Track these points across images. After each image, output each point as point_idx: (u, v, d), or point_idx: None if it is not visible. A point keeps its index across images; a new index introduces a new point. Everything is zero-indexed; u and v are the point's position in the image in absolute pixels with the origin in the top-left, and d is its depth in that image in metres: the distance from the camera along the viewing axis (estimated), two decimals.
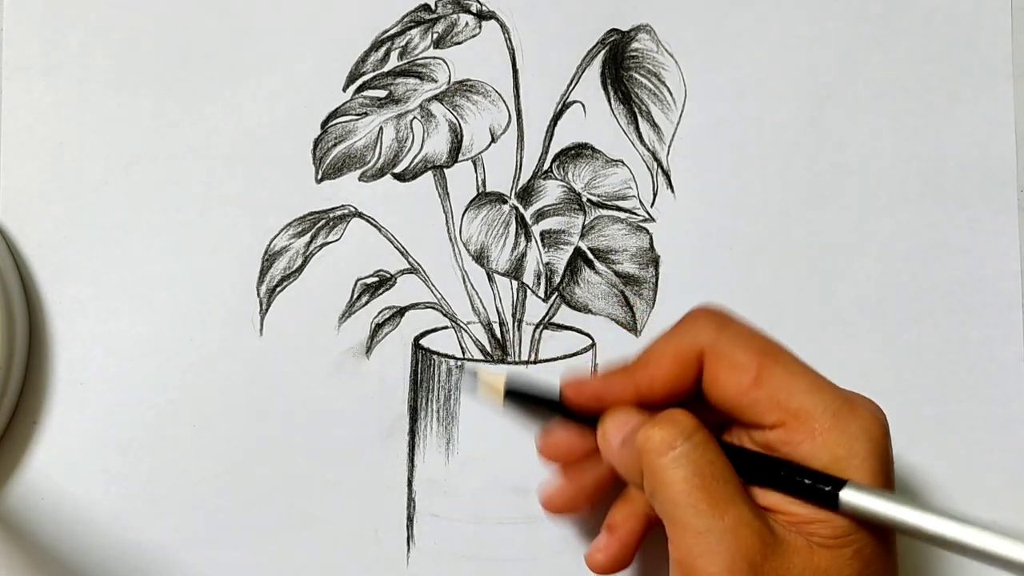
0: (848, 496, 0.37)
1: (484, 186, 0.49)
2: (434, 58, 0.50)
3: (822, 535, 0.38)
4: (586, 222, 0.49)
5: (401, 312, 0.49)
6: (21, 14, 0.49)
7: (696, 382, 0.40)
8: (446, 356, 0.49)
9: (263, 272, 0.49)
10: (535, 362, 0.49)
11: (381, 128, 0.49)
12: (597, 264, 0.49)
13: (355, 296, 0.49)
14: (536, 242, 0.49)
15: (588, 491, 0.44)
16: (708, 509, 0.37)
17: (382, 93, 0.50)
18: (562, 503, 0.45)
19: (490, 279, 0.49)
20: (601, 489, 0.44)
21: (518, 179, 0.49)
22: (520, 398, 0.45)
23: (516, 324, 0.49)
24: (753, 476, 0.39)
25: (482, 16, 0.50)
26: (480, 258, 0.49)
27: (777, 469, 0.39)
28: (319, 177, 0.49)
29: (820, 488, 0.37)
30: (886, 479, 0.38)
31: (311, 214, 0.49)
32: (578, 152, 0.50)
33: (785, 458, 0.39)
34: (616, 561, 0.43)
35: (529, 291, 0.49)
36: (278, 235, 0.49)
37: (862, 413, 0.38)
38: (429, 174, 0.49)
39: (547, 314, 0.49)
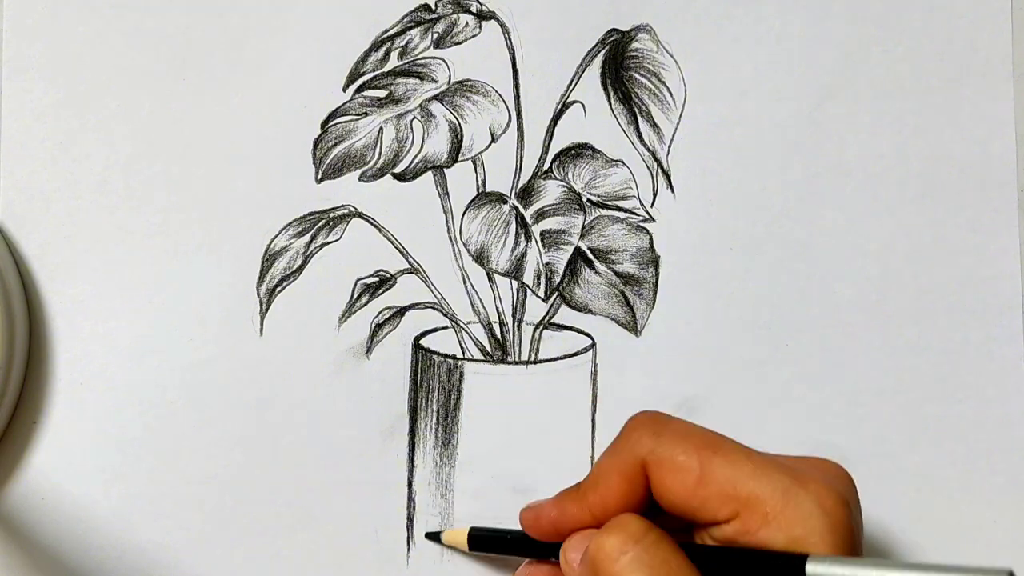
0: (813, 568, 0.36)
1: (484, 186, 0.49)
2: (434, 58, 0.50)
3: None
4: (586, 222, 0.49)
5: (401, 312, 0.49)
6: (21, 14, 0.49)
7: (647, 493, 0.40)
8: (446, 356, 0.49)
9: (263, 272, 0.49)
10: (535, 362, 0.49)
11: (381, 128, 0.49)
12: (597, 264, 0.49)
13: (355, 296, 0.49)
14: (536, 242, 0.49)
15: None
16: None
17: (382, 93, 0.50)
18: None
19: (490, 279, 0.49)
20: None
21: (518, 179, 0.49)
22: (485, 543, 0.46)
23: (516, 324, 0.49)
24: (717, 572, 0.38)
25: (482, 16, 0.50)
26: (480, 258, 0.49)
27: (738, 559, 0.38)
28: (319, 177, 0.49)
29: (783, 567, 0.37)
30: (848, 548, 0.37)
31: (311, 214, 0.49)
32: (578, 152, 0.50)
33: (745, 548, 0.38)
34: None
35: (529, 291, 0.49)
36: (278, 235, 0.49)
37: (813, 488, 0.38)
38: (429, 174, 0.49)
39: (547, 314, 0.49)
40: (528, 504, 0.43)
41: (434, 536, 0.48)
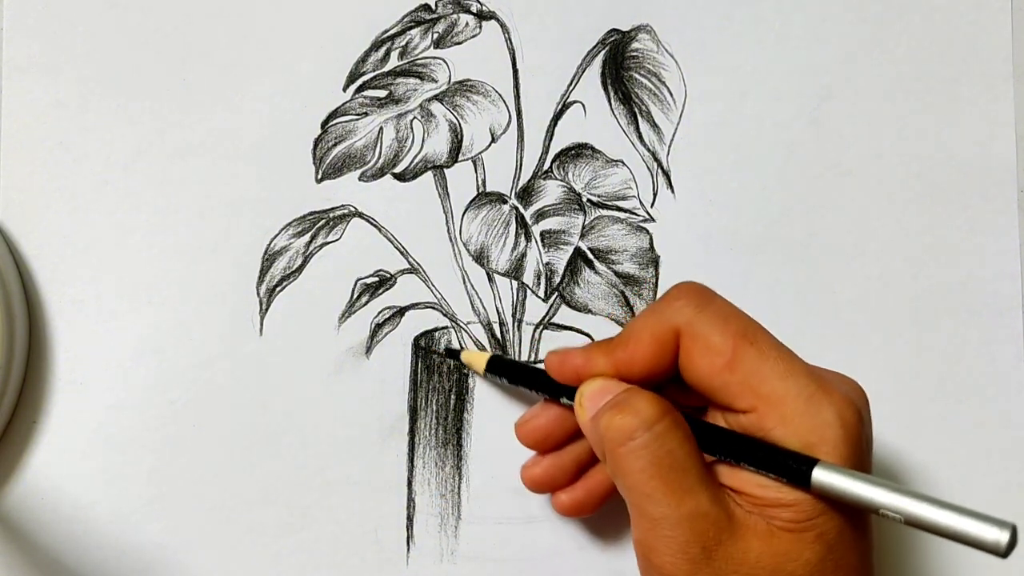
0: (820, 475, 0.37)
1: (484, 186, 0.49)
2: (434, 58, 0.50)
3: (784, 518, 0.38)
4: (586, 222, 0.49)
5: (401, 312, 0.49)
6: (21, 14, 0.49)
7: (674, 361, 0.40)
8: (446, 356, 0.49)
9: (263, 272, 0.49)
10: (535, 362, 0.49)
11: (381, 128, 0.49)
12: (597, 264, 0.49)
13: (355, 296, 0.49)
14: (536, 242, 0.49)
15: (568, 471, 0.45)
16: (663, 498, 0.37)
17: (382, 93, 0.50)
18: (544, 482, 0.45)
19: (490, 279, 0.49)
20: (583, 465, 0.45)
21: (518, 179, 0.49)
22: (501, 370, 0.46)
23: (516, 324, 0.49)
24: (724, 452, 0.39)
25: (482, 16, 0.50)
26: (480, 258, 0.49)
27: (749, 447, 0.38)
28: (319, 177, 0.49)
29: (791, 465, 0.37)
30: (858, 463, 0.38)
31: (311, 214, 0.49)
32: (578, 152, 0.50)
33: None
34: (579, 505, 0.45)
35: (529, 291, 0.49)
36: (278, 235, 0.49)
37: (836, 398, 0.38)
38: (429, 174, 0.49)
39: (547, 314, 0.49)
40: (555, 348, 0.44)
41: (454, 353, 0.48)
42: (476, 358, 0.47)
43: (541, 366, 0.44)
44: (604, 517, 0.48)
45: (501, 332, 0.49)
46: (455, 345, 0.49)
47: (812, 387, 0.38)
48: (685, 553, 0.37)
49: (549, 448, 0.45)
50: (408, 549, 0.48)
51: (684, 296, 0.41)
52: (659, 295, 0.49)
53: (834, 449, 0.37)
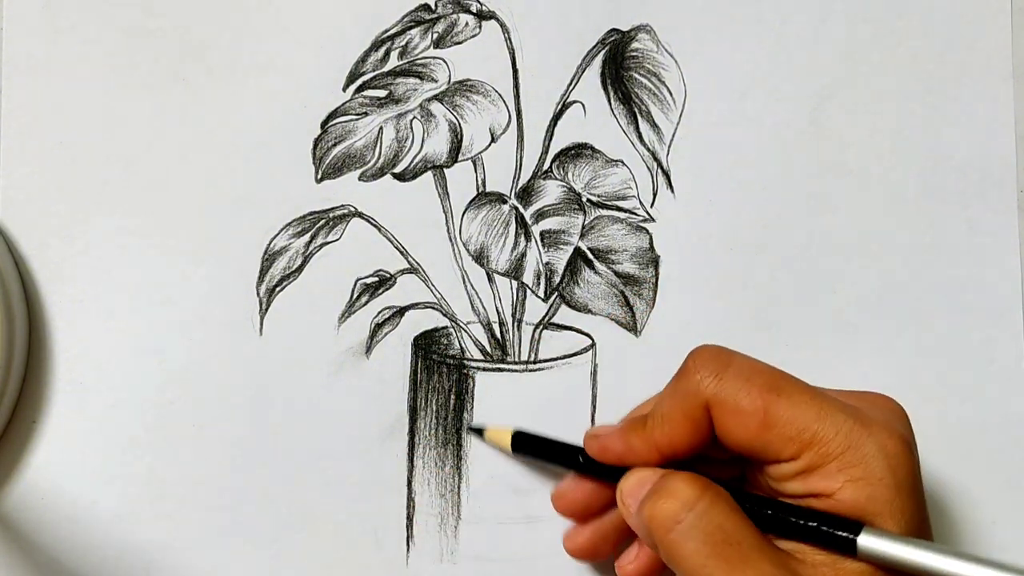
0: (865, 542, 0.37)
1: (484, 186, 0.49)
2: (434, 58, 0.50)
3: (854, 571, 0.38)
4: (586, 222, 0.49)
5: (401, 312, 0.49)
6: (21, 14, 0.49)
7: (711, 430, 0.40)
8: (446, 356, 0.49)
9: (263, 272, 0.49)
10: (535, 362, 0.49)
11: (381, 128, 0.49)
12: (597, 264, 0.49)
13: (355, 296, 0.49)
14: (536, 242, 0.49)
15: (611, 538, 0.45)
16: (724, 575, 0.37)
17: (382, 93, 0.50)
18: (589, 552, 0.45)
19: (490, 279, 0.49)
20: (626, 533, 0.44)
21: (518, 179, 0.49)
22: (529, 448, 0.46)
23: (516, 324, 0.49)
24: (770, 526, 0.39)
25: (482, 16, 0.50)
26: (480, 258, 0.49)
27: (792, 516, 0.39)
28: (319, 177, 0.49)
29: (836, 535, 0.37)
30: (908, 494, 0.38)
31: (311, 214, 0.49)
32: (578, 152, 0.50)
33: (805, 489, 0.39)
34: (645, 572, 0.44)
35: (529, 291, 0.49)
36: (278, 235, 0.49)
37: (875, 430, 0.38)
38: (429, 174, 0.49)
39: (547, 314, 0.49)
40: (593, 430, 0.44)
41: (477, 431, 0.48)
42: (499, 435, 0.47)
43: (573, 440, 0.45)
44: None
45: (501, 332, 0.49)
46: (456, 347, 0.49)
47: (849, 423, 0.38)
48: None
49: (590, 517, 0.45)
50: (408, 549, 0.48)
51: (702, 367, 0.40)
52: (659, 296, 0.49)
53: (881, 481, 0.37)
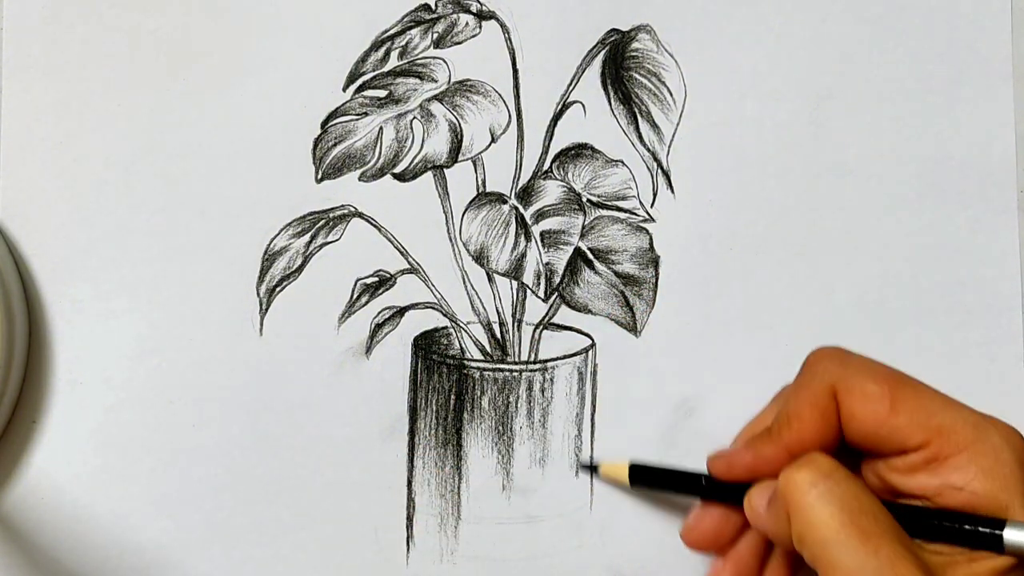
0: (1012, 536, 0.37)
1: (484, 186, 0.49)
2: (434, 58, 0.50)
3: (988, 566, 0.38)
4: (586, 222, 0.49)
5: (401, 312, 0.49)
6: (21, 14, 0.49)
7: (839, 426, 0.40)
8: (446, 356, 0.49)
9: (263, 272, 0.49)
10: (535, 362, 0.49)
11: (381, 128, 0.49)
12: (597, 264, 0.49)
13: (355, 296, 0.49)
14: (536, 242, 0.49)
15: (753, 565, 0.44)
16: (860, 545, 0.36)
17: (382, 93, 0.50)
18: None
19: (490, 279, 0.49)
20: (763, 556, 0.44)
21: (518, 179, 0.49)
22: (648, 479, 0.46)
23: (516, 324, 0.49)
24: (909, 526, 0.39)
25: (482, 16, 0.50)
26: (480, 258, 0.49)
27: (932, 519, 0.38)
28: (319, 177, 0.49)
29: (980, 531, 0.37)
30: None
31: (311, 214, 0.49)
32: (578, 152, 0.50)
33: (936, 482, 0.39)
34: None
35: (529, 291, 0.49)
36: (278, 235, 0.49)
37: (998, 424, 0.39)
38: (429, 174, 0.49)
39: (547, 314, 0.49)
40: (715, 452, 0.43)
41: (592, 468, 0.47)
42: (616, 471, 0.46)
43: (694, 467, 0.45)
44: (604, 517, 0.48)
45: (501, 332, 0.49)
46: (456, 347, 0.49)
47: (975, 415, 0.39)
48: None
49: (722, 548, 0.44)
50: (408, 549, 0.48)
51: (824, 359, 0.41)
52: (659, 296, 0.49)
53: (1012, 473, 0.37)
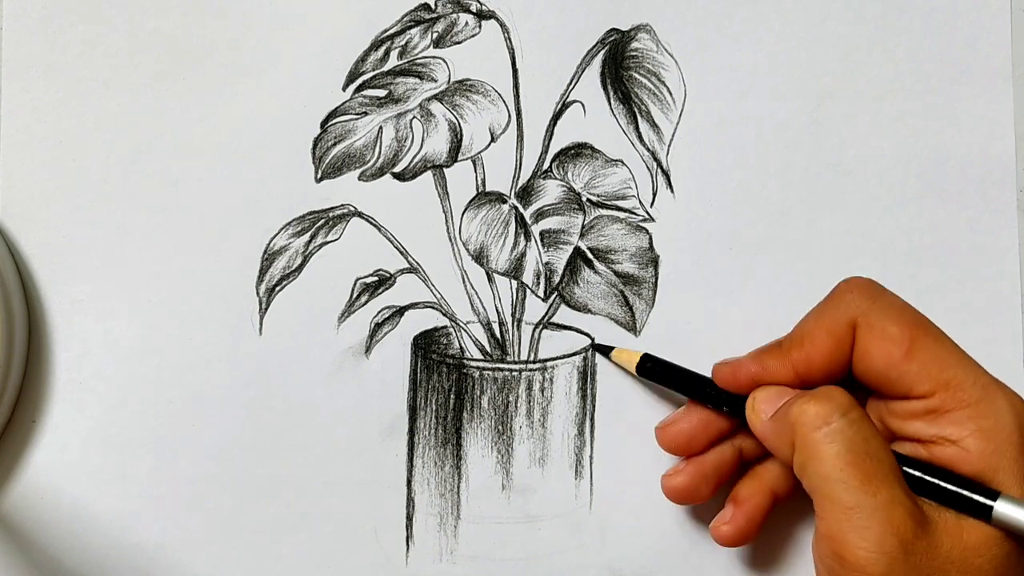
0: (1002, 509, 0.37)
1: (484, 186, 0.49)
2: (434, 57, 0.50)
3: (969, 539, 0.38)
4: (586, 222, 0.49)
5: (401, 312, 0.49)
6: (21, 14, 0.50)
7: (849, 358, 0.41)
8: (446, 356, 0.49)
9: (262, 271, 0.49)
10: (535, 362, 0.49)
11: (381, 127, 0.49)
12: (597, 264, 0.49)
13: (355, 296, 0.49)
14: (536, 242, 0.49)
15: (711, 478, 0.45)
16: (859, 485, 0.37)
17: (382, 92, 0.50)
18: (687, 491, 0.45)
19: (489, 279, 0.49)
20: (724, 475, 0.45)
21: (518, 179, 0.49)
22: (654, 372, 0.46)
23: (515, 324, 0.49)
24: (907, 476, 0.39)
25: (482, 16, 0.50)
26: (480, 258, 0.49)
27: (931, 475, 0.39)
28: (319, 176, 0.49)
29: (971, 499, 0.38)
30: None
31: (310, 213, 0.49)
32: (578, 152, 0.50)
33: (932, 432, 0.39)
34: (742, 534, 0.44)
35: (528, 291, 0.49)
36: (277, 234, 0.49)
37: (1007, 391, 0.39)
38: (429, 174, 0.49)
39: (546, 314, 0.49)
40: (723, 360, 0.44)
41: (604, 349, 0.48)
42: (627, 356, 0.47)
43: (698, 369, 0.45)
44: (603, 517, 0.48)
45: (500, 331, 0.49)
46: (456, 346, 0.49)
47: (986, 376, 0.39)
48: (881, 545, 0.37)
49: (690, 453, 0.45)
50: (407, 548, 0.48)
51: (855, 289, 0.41)
52: (658, 296, 0.49)
53: (1009, 436, 0.38)
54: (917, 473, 0.39)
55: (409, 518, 0.48)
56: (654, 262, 0.49)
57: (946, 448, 0.39)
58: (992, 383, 0.39)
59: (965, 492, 0.38)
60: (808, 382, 0.41)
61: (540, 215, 0.49)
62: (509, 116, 0.49)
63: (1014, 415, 0.38)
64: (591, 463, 0.48)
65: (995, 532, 0.38)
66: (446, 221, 0.49)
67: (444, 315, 0.49)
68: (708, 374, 0.45)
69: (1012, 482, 0.38)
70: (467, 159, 0.49)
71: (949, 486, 0.39)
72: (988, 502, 0.38)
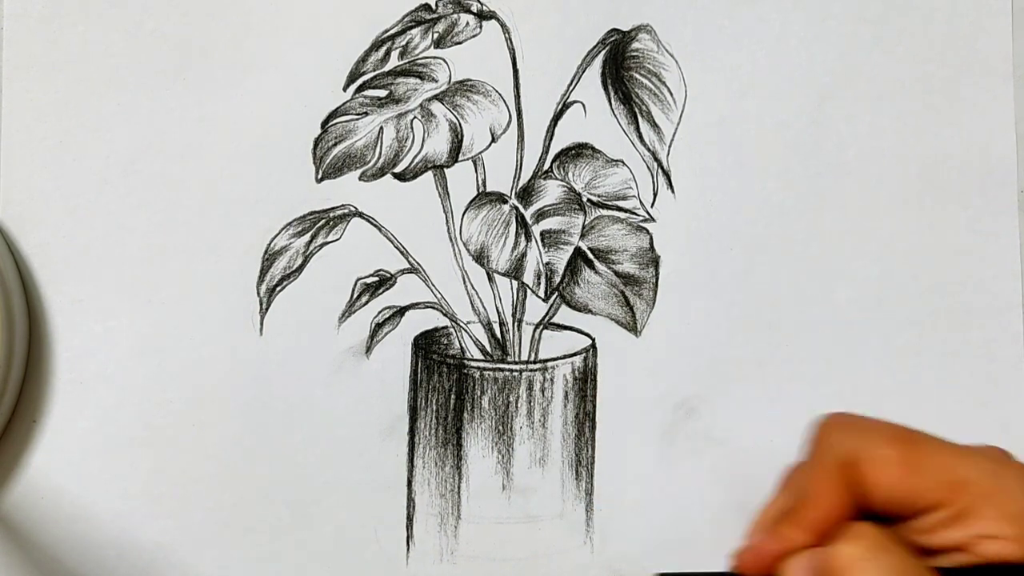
0: None
1: (484, 186, 0.49)
2: (434, 58, 0.50)
3: None
4: (586, 222, 0.49)
5: (401, 312, 0.49)
6: (21, 14, 0.49)
7: (861, 496, 0.40)
8: (446, 356, 0.49)
9: (263, 271, 0.49)
10: (535, 362, 0.49)
11: (381, 128, 0.49)
12: (597, 264, 0.49)
13: (355, 296, 0.49)
14: (536, 242, 0.49)
15: None
16: None
17: (382, 93, 0.50)
18: None
19: (490, 279, 0.49)
20: None
21: (518, 179, 0.49)
22: None
23: (516, 324, 0.49)
24: None
25: (482, 16, 0.50)
26: (480, 258, 0.49)
27: (983, 573, 0.38)
28: (319, 177, 0.49)
29: None
30: None
31: (311, 213, 0.49)
32: (578, 152, 0.50)
33: (968, 534, 0.38)
34: None
35: (529, 291, 0.49)
36: (278, 235, 0.49)
37: (1014, 467, 0.38)
38: (429, 174, 0.49)
39: (547, 314, 0.49)
40: (736, 551, 0.42)
41: None
42: None
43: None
44: (604, 517, 0.48)
45: (501, 332, 0.49)
46: (456, 347, 0.49)
47: (990, 463, 0.38)
48: None
49: None
50: (408, 549, 0.48)
51: (833, 430, 0.40)
52: (659, 296, 0.49)
53: None
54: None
55: (409, 518, 0.48)
56: (655, 262, 0.49)
57: (991, 544, 0.38)
58: (995, 466, 0.38)
59: None
60: (829, 536, 0.41)
61: (541, 215, 0.49)
62: (510, 116, 0.49)
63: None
64: (591, 463, 0.48)
65: None
66: (447, 221, 0.49)
67: (444, 315, 0.49)
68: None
69: None
70: (468, 159, 0.49)
71: None
72: None
